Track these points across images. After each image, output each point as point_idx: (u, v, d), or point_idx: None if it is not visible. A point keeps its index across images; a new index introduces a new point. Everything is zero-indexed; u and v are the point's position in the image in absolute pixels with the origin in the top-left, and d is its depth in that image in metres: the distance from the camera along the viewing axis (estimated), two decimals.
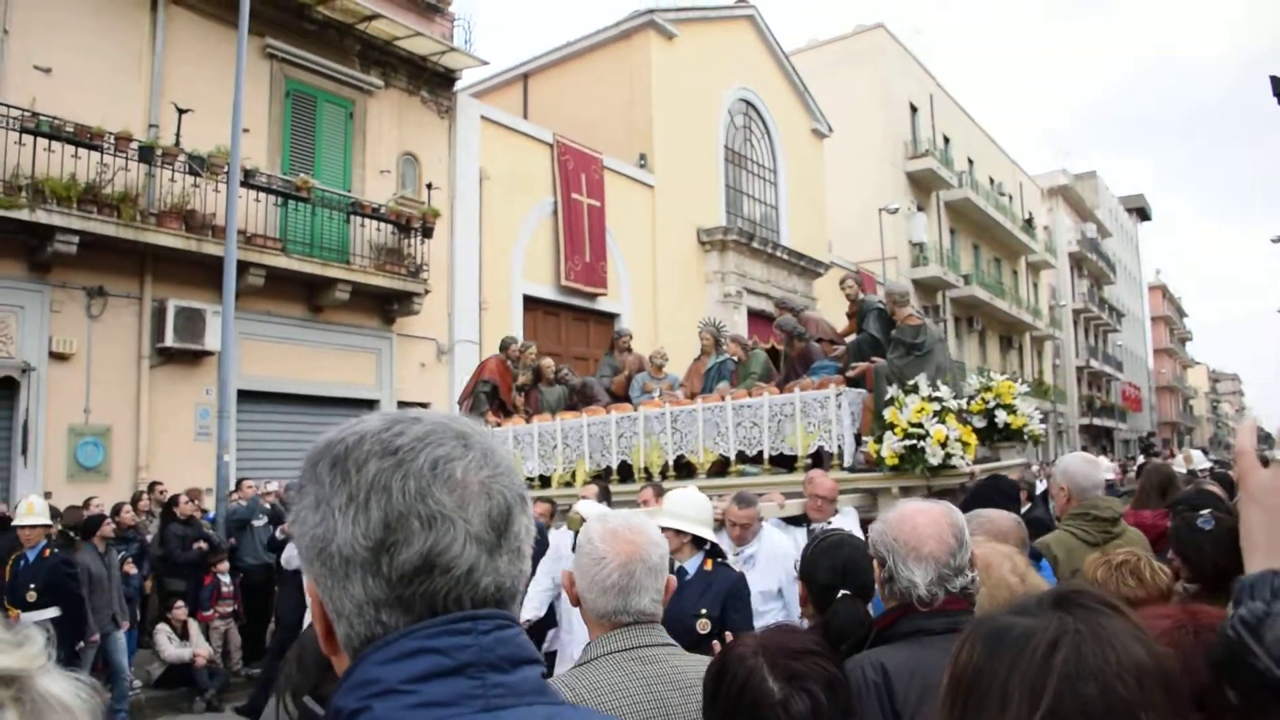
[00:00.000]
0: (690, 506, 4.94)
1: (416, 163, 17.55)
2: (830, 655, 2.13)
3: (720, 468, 9.72)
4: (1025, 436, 9.50)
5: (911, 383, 8.21)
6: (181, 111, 13.63)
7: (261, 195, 14.23)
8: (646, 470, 10.08)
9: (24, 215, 11.71)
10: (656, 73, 23.24)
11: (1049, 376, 47.97)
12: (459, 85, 18.78)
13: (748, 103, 27.22)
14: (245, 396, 14.20)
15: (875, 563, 2.44)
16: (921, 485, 7.95)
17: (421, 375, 17.27)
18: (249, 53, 12.71)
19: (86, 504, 11.00)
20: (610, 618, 2.28)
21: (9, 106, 11.89)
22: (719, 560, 4.94)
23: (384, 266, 15.99)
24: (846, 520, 6.76)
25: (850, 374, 9.14)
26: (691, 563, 4.85)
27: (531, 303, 19.55)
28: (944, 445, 7.88)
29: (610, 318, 21.38)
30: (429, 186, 17.31)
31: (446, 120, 18.21)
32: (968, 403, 9.34)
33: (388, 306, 16.40)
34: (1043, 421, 10.02)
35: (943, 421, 7.97)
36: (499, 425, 11.05)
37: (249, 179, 13.72)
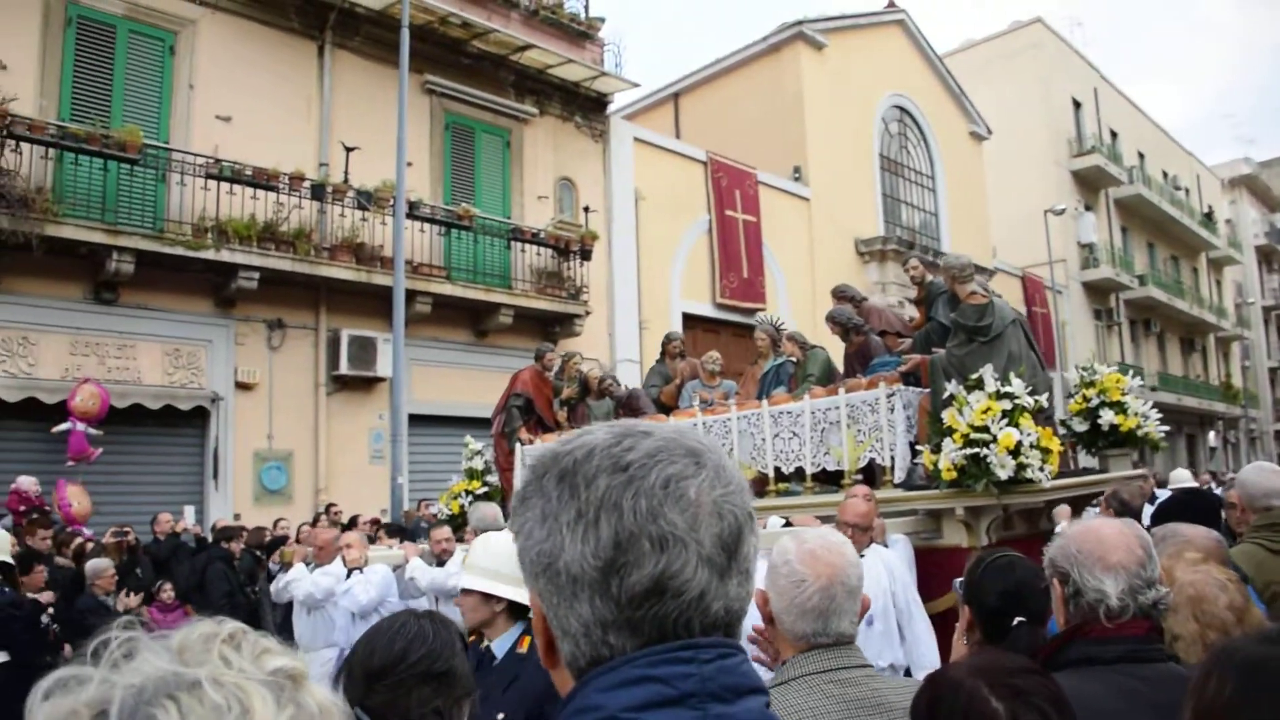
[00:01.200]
0: (503, 558, 3.42)
1: (573, 187, 17.82)
2: (1045, 671, 1.98)
3: (759, 487, 8.10)
4: (1143, 441, 7.83)
5: (975, 376, 6.64)
6: (349, 150, 14.20)
7: (426, 225, 14.69)
8: None
9: (210, 255, 12.43)
10: (808, 84, 23.02)
11: (1237, 379, 45.18)
12: (611, 108, 19.01)
13: (902, 109, 26.68)
14: (416, 420, 14.61)
15: (1055, 581, 2.26)
16: (993, 505, 6.47)
17: None
18: (410, 89, 13.13)
19: (275, 525, 11.56)
20: (809, 639, 2.21)
21: (195, 155, 12.64)
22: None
23: (545, 290, 16.27)
24: (896, 551, 5.95)
25: (902, 369, 7.56)
26: (502, 641, 3.44)
27: (691, 320, 19.53)
28: (1015, 453, 6.27)
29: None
30: (586, 210, 17.53)
31: (600, 144, 18.44)
32: (1071, 398, 7.97)
33: (550, 329, 16.65)
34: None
35: (1014, 424, 6.37)
36: (530, 442, 10.14)
37: (414, 210, 14.17)
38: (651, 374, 11.43)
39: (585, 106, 18.22)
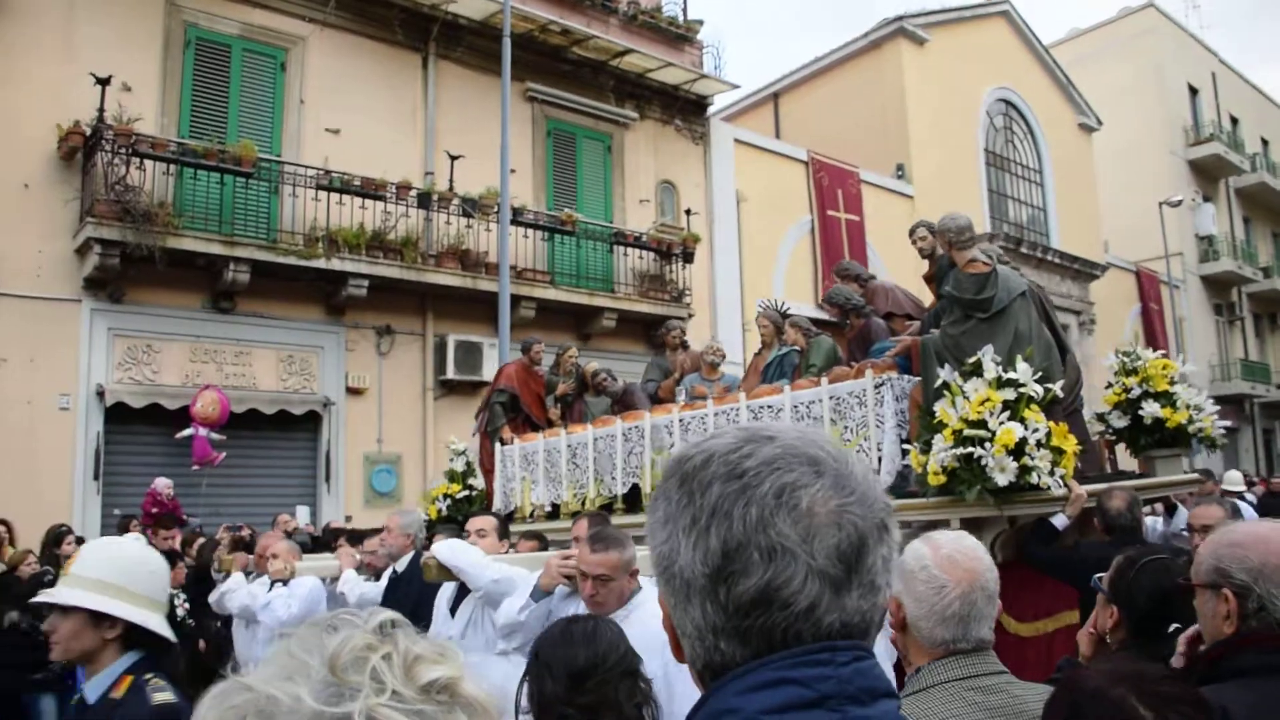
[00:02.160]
0: (119, 567, 2.61)
1: (674, 190, 17.82)
2: (1186, 679, 1.89)
3: None
4: (1197, 439, 6.62)
5: (972, 360, 5.53)
6: (453, 158, 14.42)
7: (529, 231, 14.85)
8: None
9: (321, 264, 12.78)
10: (909, 80, 22.65)
11: None
12: (711, 110, 18.97)
13: (1007, 102, 26.07)
14: None
15: (1227, 593, 2.03)
16: (994, 516, 5.43)
17: None
18: (511, 97, 13.28)
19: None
20: (948, 645, 2.15)
21: (306, 167, 12.99)
22: (143, 679, 2.52)
23: (647, 293, 16.30)
24: None
25: (890, 353, 6.63)
26: (99, 681, 2.56)
27: None
28: (1018, 453, 5.17)
29: None
30: (687, 212, 17.52)
31: (701, 146, 18.42)
32: (1111, 388, 6.69)
33: (653, 332, 16.64)
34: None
35: (1018, 418, 5.26)
36: (512, 442, 9.40)
37: (517, 217, 14.32)
38: (650, 367, 10.54)
39: (685, 109, 18.21)
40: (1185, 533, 6.24)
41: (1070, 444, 5.40)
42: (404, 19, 14.77)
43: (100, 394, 11.76)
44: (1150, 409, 6.44)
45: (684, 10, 18.50)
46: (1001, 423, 5.26)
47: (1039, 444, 5.27)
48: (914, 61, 22.92)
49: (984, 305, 5.85)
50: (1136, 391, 6.56)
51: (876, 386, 6.32)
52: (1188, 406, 6.50)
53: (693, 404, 8.00)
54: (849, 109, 23.08)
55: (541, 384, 10.30)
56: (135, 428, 12.08)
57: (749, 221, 18.78)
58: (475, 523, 5.50)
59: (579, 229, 15.51)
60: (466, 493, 9.87)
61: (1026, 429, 5.24)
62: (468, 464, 10.07)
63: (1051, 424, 5.38)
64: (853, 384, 6.50)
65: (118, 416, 11.93)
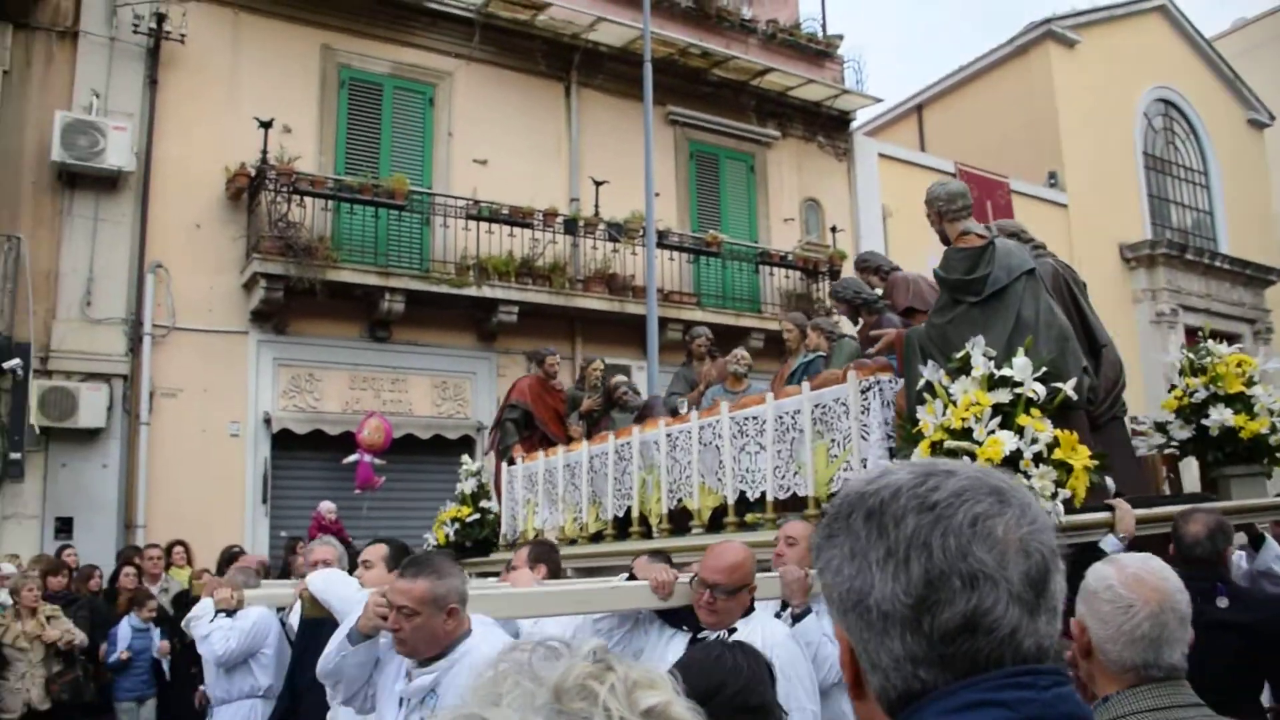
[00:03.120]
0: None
1: (819, 207, 17.61)
2: None
3: (717, 518, 6.40)
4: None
5: (960, 354, 4.64)
6: (598, 184, 14.57)
7: (675, 254, 14.88)
8: (645, 521, 6.97)
9: (472, 291, 13.06)
10: (1060, 84, 21.87)
11: None
12: (854, 125, 18.72)
13: (1167, 102, 24.90)
14: None
15: None
16: None
17: None
18: (653, 121, 13.35)
19: None
20: (1138, 671, 2.03)
21: (456, 198, 13.32)
22: None
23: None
24: (805, 627, 4.14)
25: (874, 350, 5.74)
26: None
27: None
28: (1013, 467, 4.23)
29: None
30: (833, 230, 17.26)
31: (845, 162, 18.17)
32: (1182, 393, 5.57)
33: None
34: None
35: (1010, 427, 4.34)
36: (522, 460, 8.67)
37: (663, 240, 14.36)
38: (675, 379, 9.76)
39: (827, 125, 18.00)
40: (1277, 568, 5.23)
41: (1081, 457, 4.32)
42: (546, 50, 15.04)
43: (267, 421, 12.26)
44: (1218, 415, 5.35)
45: (823, 26, 18.33)
46: (991, 431, 4.30)
47: (1038, 458, 4.25)
48: (1064, 65, 22.13)
49: (975, 286, 4.82)
50: (1202, 394, 5.45)
51: (863, 391, 5.36)
52: (1270, 412, 5.38)
53: (677, 419, 7.21)
54: (996, 118, 22.43)
55: (559, 398, 9.76)
56: (299, 453, 12.53)
57: (896, 236, 18.38)
58: (365, 551, 4.80)
59: (724, 250, 15.46)
60: (478, 516, 9.19)
61: (1023, 439, 4.28)
62: (480, 485, 9.41)
63: (1061, 433, 4.36)
64: (837, 389, 5.57)
65: (283, 442, 12.40)
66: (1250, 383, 5.47)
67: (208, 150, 12.31)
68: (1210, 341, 5.63)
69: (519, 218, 13.54)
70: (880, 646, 0.97)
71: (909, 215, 18.38)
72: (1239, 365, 5.48)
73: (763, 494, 5.97)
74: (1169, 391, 5.77)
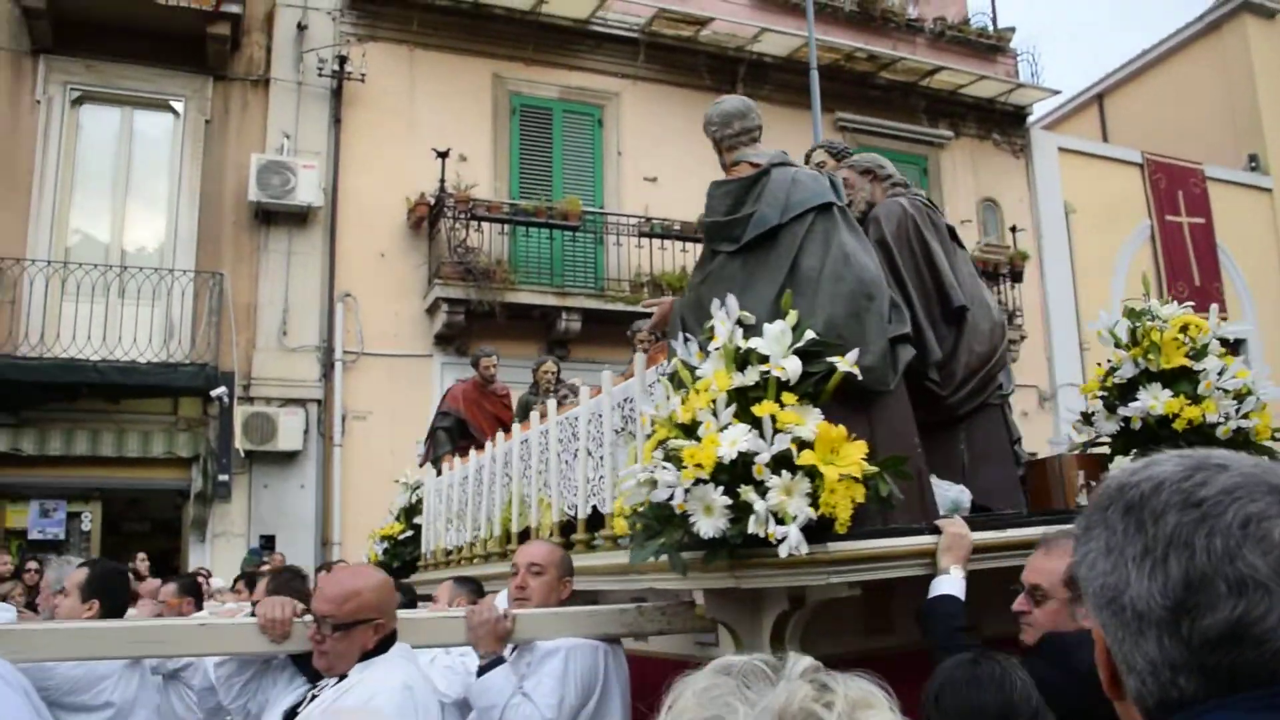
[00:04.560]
0: None
1: (997, 207, 17.02)
2: None
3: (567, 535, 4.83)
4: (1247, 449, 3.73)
5: (709, 324, 3.16)
6: None
7: None
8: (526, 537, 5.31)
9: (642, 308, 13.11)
10: (1259, 59, 20.49)
11: None
12: (1030, 120, 18.04)
13: None
14: None
15: None
16: (726, 586, 3.04)
17: (1026, 424, 16.42)
18: (822, 128, 13.18)
19: None
20: None
21: (628, 216, 13.49)
22: None
23: None
24: (500, 675, 3.24)
25: (648, 327, 4.50)
26: None
27: None
28: (732, 482, 2.80)
29: (1238, 344, 18.90)
30: (1013, 229, 16.64)
31: (1022, 159, 17.51)
32: (1105, 371, 4.01)
33: None
34: None
35: (751, 419, 2.86)
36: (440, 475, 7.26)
37: None
38: (518, 408, 8.65)
39: (1002, 122, 17.39)
40: None
41: (846, 460, 2.82)
42: (710, 64, 15.08)
43: None
44: (1143, 399, 3.73)
45: (993, 20, 17.77)
46: (724, 427, 2.86)
47: (779, 464, 2.79)
48: (1264, 38, 20.74)
49: (734, 230, 3.55)
50: (1130, 371, 3.85)
51: (649, 385, 3.85)
52: (1225, 394, 3.74)
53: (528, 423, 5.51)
54: (1186, 101, 21.21)
55: (498, 403, 8.73)
56: None
57: (1080, 234, 17.60)
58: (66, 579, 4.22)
59: None
60: (410, 533, 8.00)
61: (764, 435, 2.82)
62: (418, 499, 8.00)
63: (826, 426, 2.86)
64: (635, 382, 4.15)
65: None
66: (1200, 353, 3.82)
67: (389, 182, 12.84)
68: (1155, 300, 4.01)
69: (690, 233, 13.56)
70: (1135, 648, 0.93)
71: (1094, 211, 17.63)
72: (1185, 330, 3.84)
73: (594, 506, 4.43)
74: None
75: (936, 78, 16.30)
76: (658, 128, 14.47)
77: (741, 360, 3.02)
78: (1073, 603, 2.56)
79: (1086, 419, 4.07)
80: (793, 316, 3.05)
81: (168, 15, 12.04)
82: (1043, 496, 4.08)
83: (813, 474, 2.79)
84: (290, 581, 4.40)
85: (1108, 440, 4.00)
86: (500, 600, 3.72)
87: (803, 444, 2.82)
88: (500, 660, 3.23)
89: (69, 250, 12.05)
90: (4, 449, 11.10)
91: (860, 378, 3.08)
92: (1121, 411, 3.83)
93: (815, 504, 2.75)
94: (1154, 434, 3.74)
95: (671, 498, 2.89)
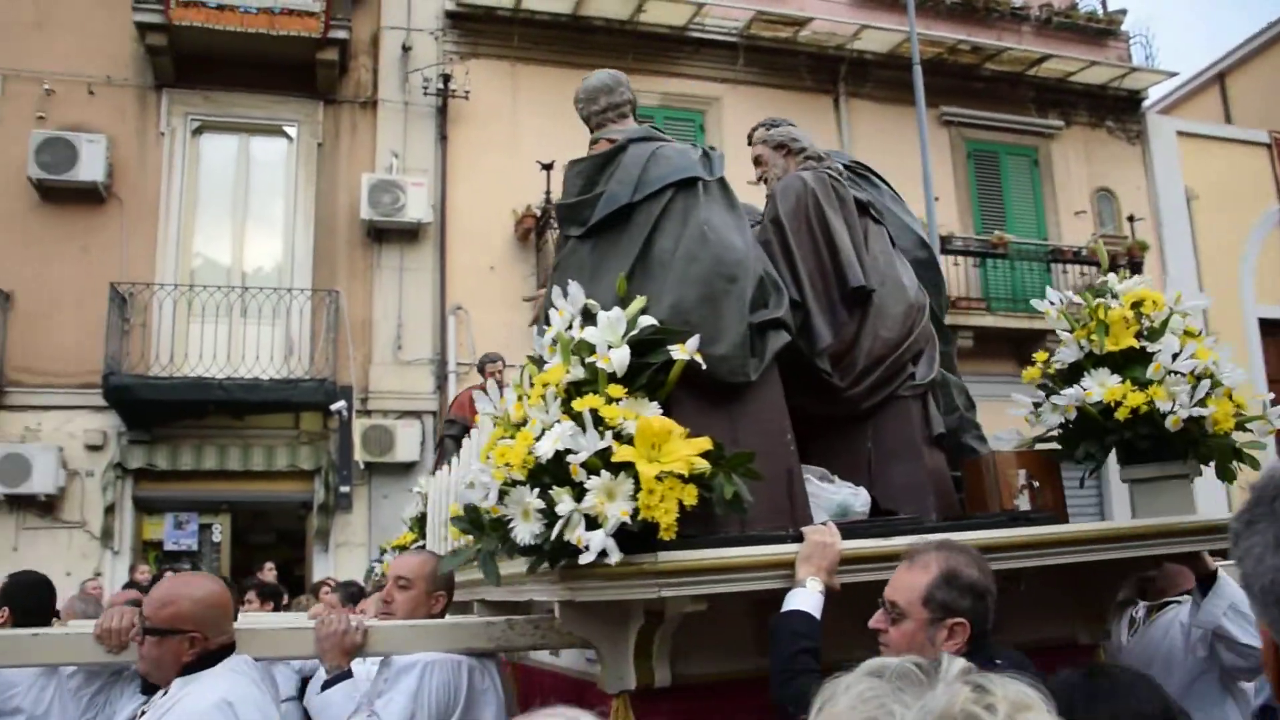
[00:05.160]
0: None
1: (1112, 197, 16.50)
2: None
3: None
4: (1218, 452, 3.33)
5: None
6: None
7: (959, 258, 14.38)
8: None
9: None
10: None
11: None
12: (1146, 105, 17.45)
13: None
14: None
15: None
16: (563, 599, 2.83)
17: None
18: (927, 124, 12.96)
19: None
20: None
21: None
22: None
23: None
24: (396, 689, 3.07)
25: (531, 322, 4.03)
26: None
27: (1271, 327, 17.10)
28: (545, 484, 2.51)
29: None
30: (1130, 219, 16.11)
31: (1138, 145, 16.94)
32: (1047, 356, 3.66)
33: None
34: None
35: (571, 414, 2.55)
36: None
37: (946, 245, 13.89)
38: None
39: (1116, 108, 16.86)
40: (1236, 634, 3.20)
41: (671, 457, 2.51)
42: (811, 64, 14.99)
43: None
44: (1074, 389, 3.30)
45: (1103, 3, 17.23)
46: (549, 426, 2.57)
47: (601, 463, 2.49)
48: None
49: (580, 212, 3.29)
50: (1072, 355, 3.42)
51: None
52: (1181, 376, 3.18)
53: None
54: None
55: None
56: None
57: (1203, 221, 16.93)
58: None
59: (1011, 250, 14.80)
60: (422, 542, 7.33)
61: (584, 431, 2.51)
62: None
63: (650, 421, 2.54)
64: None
65: None
66: (1153, 333, 3.29)
67: (496, 196, 13.04)
68: (1112, 275, 3.54)
69: None
70: None
71: (1218, 196, 16.97)
72: (1139, 306, 3.34)
73: None
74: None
75: (1045, 66, 15.89)
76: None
77: (571, 353, 2.72)
78: (932, 625, 2.33)
79: (1036, 410, 3.56)
80: (639, 302, 2.78)
81: (279, 45, 12.48)
82: (977, 499, 3.70)
83: (635, 474, 2.46)
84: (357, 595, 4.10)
85: (1055, 435, 3.52)
86: (373, 612, 3.58)
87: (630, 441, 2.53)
88: (346, 675, 3.05)
89: (193, 273, 12.56)
90: (140, 465, 11.63)
91: (705, 367, 2.77)
92: (1054, 400, 3.38)
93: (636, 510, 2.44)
94: (1099, 425, 3.28)
95: (476, 515, 2.73)
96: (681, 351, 2.70)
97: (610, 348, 2.63)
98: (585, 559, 2.40)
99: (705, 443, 2.56)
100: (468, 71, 13.47)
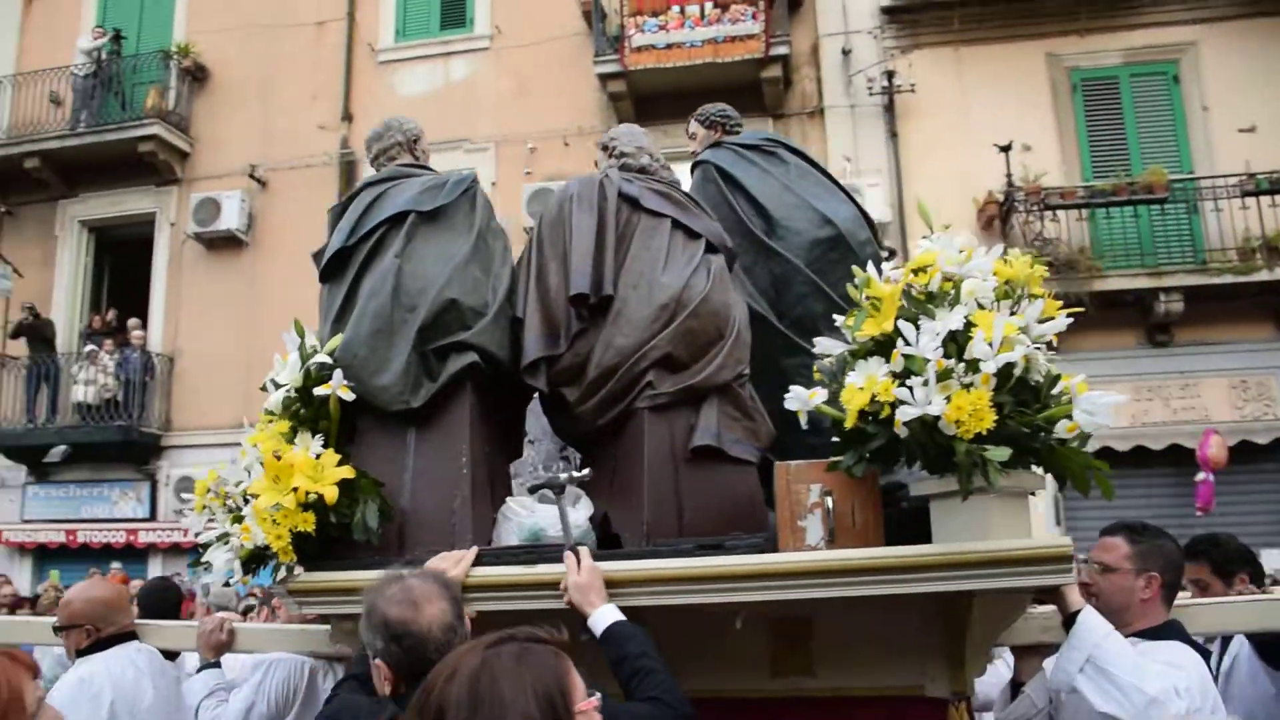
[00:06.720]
0: None
1: None
2: None
3: None
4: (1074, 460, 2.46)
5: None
6: None
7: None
8: None
9: (1263, 276, 11.63)
10: None
11: None
12: None
13: None
14: None
15: None
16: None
17: None
18: None
19: None
20: None
21: (1224, 176, 12.04)
22: None
23: None
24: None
25: None
26: None
27: None
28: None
29: None
30: None
31: None
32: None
33: None
34: None
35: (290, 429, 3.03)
36: None
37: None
38: None
39: None
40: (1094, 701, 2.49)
41: (284, 488, 2.80)
42: None
43: None
44: (795, 391, 2.72)
45: None
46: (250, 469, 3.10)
47: (252, 494, 2.94)
48: None
49: (318, 264, 3.42)
50: (833, 348, 2.73)
51: None
52: (930, 364, 2.41)
53: None
54: None
55: None
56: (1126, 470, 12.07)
57: None
58: None
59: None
60: None
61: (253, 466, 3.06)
62: None
63: (275, 458, 2.81)
64: None
65: None
66: (927, 302, 2.57)
67: (953, 186, 12.57)
68: (927, 239, 2.73)
69: None
70: None
71: None
72: (919, 274, 2.61)
73: None
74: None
75: None
76: (1249, 71, 12.70)
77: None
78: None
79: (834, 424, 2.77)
80: (333, 341, 3.08)
81: (726, 71, 12.98)
82: (756, 518, 3.09)
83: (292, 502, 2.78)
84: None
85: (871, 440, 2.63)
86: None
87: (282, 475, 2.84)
88: (213, 665, 3.68)
89: None
90: None
91: (356, 399, 3.00)
92: (787, 403, 2.73)
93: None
94: (859, 433, 2.53)
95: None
96: (324, 388, 2.93)
97: (278, 388, 3.01)
98: (215, 577, 3.03)
99: (347, 471, 2.83)
100: (910, 64, 13.20)
